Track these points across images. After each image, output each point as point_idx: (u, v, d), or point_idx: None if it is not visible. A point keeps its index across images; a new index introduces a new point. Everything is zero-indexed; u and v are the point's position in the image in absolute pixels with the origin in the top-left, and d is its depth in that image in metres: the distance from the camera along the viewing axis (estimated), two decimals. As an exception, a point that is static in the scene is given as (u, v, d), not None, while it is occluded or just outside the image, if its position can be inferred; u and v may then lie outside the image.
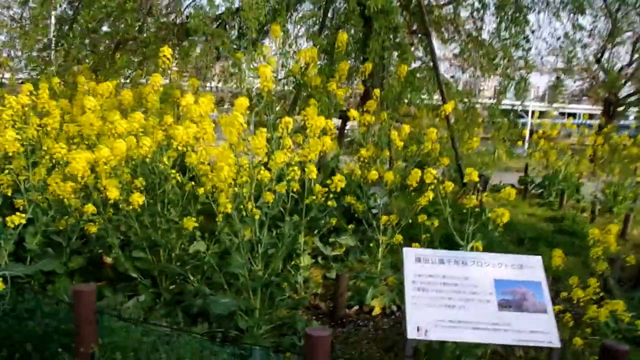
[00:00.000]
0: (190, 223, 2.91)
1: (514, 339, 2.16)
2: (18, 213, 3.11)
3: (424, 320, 2.18)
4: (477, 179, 3.00)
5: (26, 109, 3.57)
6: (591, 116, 12.80)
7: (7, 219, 3.12)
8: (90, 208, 3.15)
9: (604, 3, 6.37)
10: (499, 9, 6.04)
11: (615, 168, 7.67)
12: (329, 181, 3.14)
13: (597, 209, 7.02)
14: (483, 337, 2.18)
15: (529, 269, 2.37)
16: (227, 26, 5.52)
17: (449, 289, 2.30)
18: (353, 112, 3.69)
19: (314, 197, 3.14)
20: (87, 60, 5.31)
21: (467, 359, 2.52)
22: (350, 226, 4.08)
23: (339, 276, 3.52)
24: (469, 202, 3.07)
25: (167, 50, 3.29)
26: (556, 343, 2.15)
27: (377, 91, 4.07)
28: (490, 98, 7.12)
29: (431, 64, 6.08)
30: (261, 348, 2.55)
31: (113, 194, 2.93)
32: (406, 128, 3.86)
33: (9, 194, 3.50)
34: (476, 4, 6.42)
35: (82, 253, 3.81)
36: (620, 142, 8.03)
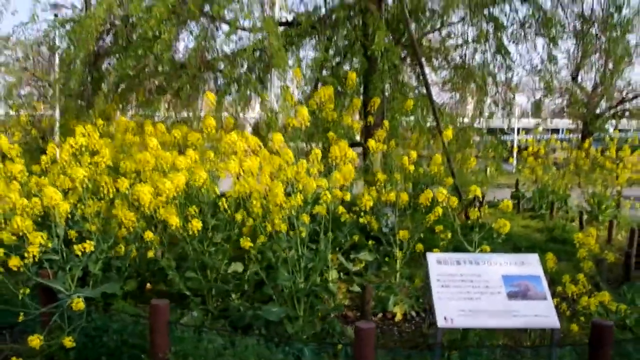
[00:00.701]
0: (247, 243, 3.39)
1: (523, 323, 2.68)
2: (88, 241, 3.52)
3: (449, 311, 2.69)
4: (480, 195, 3.57)
5: (83, 149, 4.08)
6: (573, 131, 13.66)
7: (76, 247, 3.52)
8: (149, 235, 3.62)
9: (574, 30, 7.21)
10: (476, 42, 6.79)
11: (597, 179, 8.36)
12: (358, 201, 3.69)
13: (584, 218, 7.63)
14: (498, 323, 2.70)
15: (529, 265, 2.92)
16: (235, 62, 6.14)
17: (466, 285, 2.82)
18: (372, 142, 4.28)
19: (347, 216, 3.67)
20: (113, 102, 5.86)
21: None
22: (370, 242, 4.59)
23: (364, 287, 3.99)
24: (473, 215, 3.63)
25: (210, 96, 3.86)
26: (556, 324, 2.68)
27: (386, 122, 4.70)
28: (475, 119, 7.80)
29: (424, 91, 6.73)
30: (310, 347, 3.03)
31: (173, 220, 3.42)
32: (413, 154, 4.45)
33: (63, 225, 3.93)
34: (459, 40, 7.18)
35: (133, 277, 4.26)
36: (598, 156, 8.78)
